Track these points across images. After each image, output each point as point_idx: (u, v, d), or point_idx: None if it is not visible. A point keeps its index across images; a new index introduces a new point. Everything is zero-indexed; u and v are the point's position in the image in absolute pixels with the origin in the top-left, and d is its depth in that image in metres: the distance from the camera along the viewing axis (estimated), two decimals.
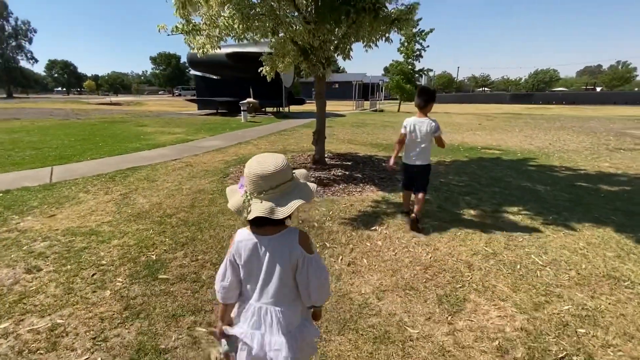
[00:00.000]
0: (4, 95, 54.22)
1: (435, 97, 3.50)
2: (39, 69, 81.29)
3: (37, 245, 3.11)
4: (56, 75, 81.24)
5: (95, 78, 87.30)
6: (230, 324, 1.26)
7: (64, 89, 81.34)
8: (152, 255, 2.91)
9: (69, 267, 2.72)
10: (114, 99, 42.37)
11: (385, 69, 41.25)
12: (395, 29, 5.43)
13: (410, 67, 24.81)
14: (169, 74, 76.51)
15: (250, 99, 18.70)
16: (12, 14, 54.58)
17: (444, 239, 3.22)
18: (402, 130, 3.57)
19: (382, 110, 27.25)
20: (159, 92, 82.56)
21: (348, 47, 5.60)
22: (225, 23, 4.61)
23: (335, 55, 5.72)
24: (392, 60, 25.89)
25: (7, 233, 3.40)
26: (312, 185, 1.20)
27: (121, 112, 20.54)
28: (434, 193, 4.73)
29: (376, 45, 5.66)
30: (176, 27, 4.57)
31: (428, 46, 23.25)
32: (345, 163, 6.45)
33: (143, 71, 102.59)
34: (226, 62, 17.56)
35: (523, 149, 8.94)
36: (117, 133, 10.71)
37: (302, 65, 5.53)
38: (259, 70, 6.52)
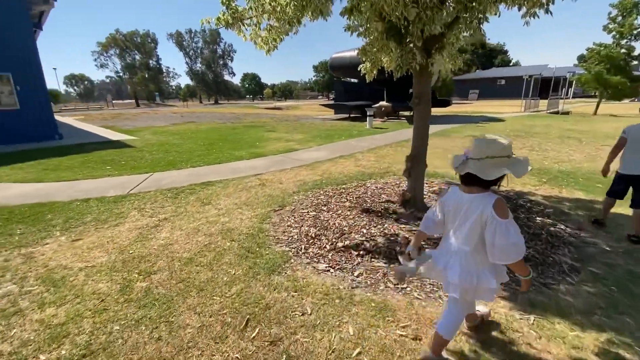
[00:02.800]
0: (212, 102, 72.28)
1: None
2: (236, 80, 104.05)
3: (2, 287, 2.63)
4: (247, 85, 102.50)
5: (272, 86, 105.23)
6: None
7: (250, 96, 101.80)
8: None
9: None
10: (277, 103, 49.14)
11: (580, 58, 31.30)
12: None
13: (624, 50, 17.15)
14: (327, 81, 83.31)
15: (383, 102, 17.06)
16: (222, 39, 71.77)
17: None
18: (622, 135, 3.33)
19: (567, 113, 20.16)
20: (318, 97, 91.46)
21: (479, 15, 3.26)
22: (271, 2, 3.24)
23: (455, 32, 3.46)
24: (593, 44, 18.61)
25: (17, 256, 3.17)
26: (527, 168, 1.43)
27: (269, 117, 22.85)
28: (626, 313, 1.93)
29: (547, 11, 3.15)
30: (218, 18, 3.52)
31: None
32: None
33: (309, 78, 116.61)
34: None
35: None
36: (241, 138, 11.28)
37: (389, 55, 3.58)
38: (358, 69, 4.98)
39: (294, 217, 3.86)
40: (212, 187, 5.42)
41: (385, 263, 2.73)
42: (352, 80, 20.58)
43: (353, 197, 4.42)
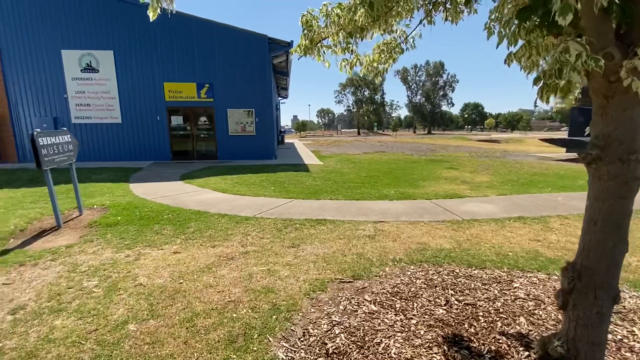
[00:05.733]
0: (426, 132, 72.61)
1: None
2: (456, 110, 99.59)
3: (86, 282, 3.23)
4: (466, 115, 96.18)
5: (497, 116, 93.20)
6: None
7: (469, 127, 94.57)
8: None
9: None
10: (495, 135, 42.61)
11: None
12: None
13: None
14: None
15: None
16: (446, 70, 71.01)
17: None
18: None
19: None
20: (561, 129, 72.71)
21: None
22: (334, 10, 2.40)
23: None
24: None
25: (135, 254, 3.89)
26: None
27: (470, 150, 19.84)
28: None
29: None
30: (299, 45, 2.99)
31: None
32: None
33: (550, 106, 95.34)
34: None
35: None
36: (409, 174, 10.17)
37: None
38: (537, 94, 3.20)
39: (347, 303, 2.69)
40: (320, 227, 4.92)
41: None
42: None
43: (461, 302, 2.63)
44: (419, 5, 2.74)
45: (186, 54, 13.40)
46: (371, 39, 2.69)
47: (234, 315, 2.61)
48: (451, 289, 2.85)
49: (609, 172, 1.55)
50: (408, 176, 9.66)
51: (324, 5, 2.65)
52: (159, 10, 2.07)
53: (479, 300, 2.65)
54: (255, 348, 2.19)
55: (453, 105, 76.25)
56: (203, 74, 13.66)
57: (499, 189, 7.63)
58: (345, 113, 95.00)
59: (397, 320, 2.40)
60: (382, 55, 3.15)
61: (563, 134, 49.09)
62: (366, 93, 69.34)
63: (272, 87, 15.28)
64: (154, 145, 13.92)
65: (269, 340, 2.27)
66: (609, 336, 2.21)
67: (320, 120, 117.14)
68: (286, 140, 33.01)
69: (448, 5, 2.75)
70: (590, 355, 1.69)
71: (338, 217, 5.45)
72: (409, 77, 73.53)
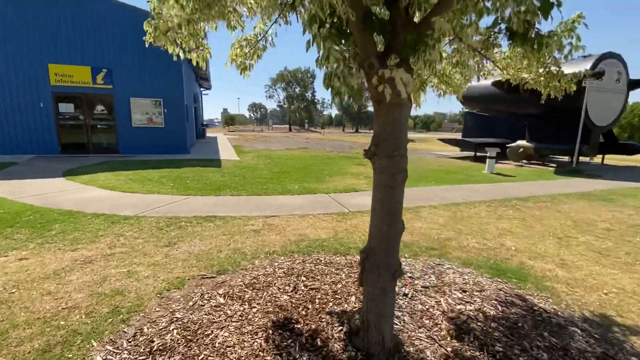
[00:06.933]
0: (353, 131, 76.20)
1: None
2: None
3: None
4: None
5: (415, 118, 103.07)
6: None
7: None
8: None
9: None
10: (410, 135, 46.90)
11: None
12: None
13: None
14: None
15: (521, 142, 13.12)
16: None
17: None
18: None
19: None
20: None
21: None
22: None
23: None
24: None
25: None
26: None
27: None
28: None
29: None
30: (148, 34, 2.81)
31: None
32: None
33: (459, 110, 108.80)
34: (494, 94, 13.26)
35: None
36: (320, 169, 10.56)
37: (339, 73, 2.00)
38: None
39: (198, 299, 2.66)
40: (207, 224, 4.79)
41: None
42: (483, 114, 17.00)
43: (308, 287, 2.82)
44: (270, 5, 2.82)
45: (78, 33, 11.72)
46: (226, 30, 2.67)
47: (62, 323, 2.38)
48: (304, 276, 3.04)
49: (381, 166, 1.81)
50: (319, 172, 10.01)
51: None
52: None
53: (324, 284, 2.88)
54: (71, 355, 2.03)
55: None
56: (100, 57, 12.12)
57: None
58: (278, 109, 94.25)
59: (239, 310, 2.47)
60: (247, 51, 3.18)
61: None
62: (297, 90, 69.71)
63: (186, 76, 14.31)
64: (36, 136, 11.90)
65: (92, 345, 2.13)
66: (419, 306, 2.61)
67: (252, 115, 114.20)
68: (210, 135, 31.40)
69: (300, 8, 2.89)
70: (377, 325, 1.97)
71: (232, 213, 5.38)
72: None
